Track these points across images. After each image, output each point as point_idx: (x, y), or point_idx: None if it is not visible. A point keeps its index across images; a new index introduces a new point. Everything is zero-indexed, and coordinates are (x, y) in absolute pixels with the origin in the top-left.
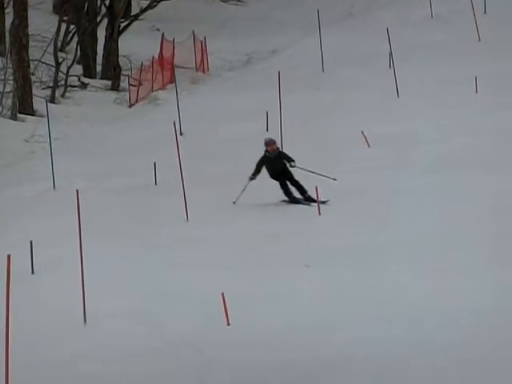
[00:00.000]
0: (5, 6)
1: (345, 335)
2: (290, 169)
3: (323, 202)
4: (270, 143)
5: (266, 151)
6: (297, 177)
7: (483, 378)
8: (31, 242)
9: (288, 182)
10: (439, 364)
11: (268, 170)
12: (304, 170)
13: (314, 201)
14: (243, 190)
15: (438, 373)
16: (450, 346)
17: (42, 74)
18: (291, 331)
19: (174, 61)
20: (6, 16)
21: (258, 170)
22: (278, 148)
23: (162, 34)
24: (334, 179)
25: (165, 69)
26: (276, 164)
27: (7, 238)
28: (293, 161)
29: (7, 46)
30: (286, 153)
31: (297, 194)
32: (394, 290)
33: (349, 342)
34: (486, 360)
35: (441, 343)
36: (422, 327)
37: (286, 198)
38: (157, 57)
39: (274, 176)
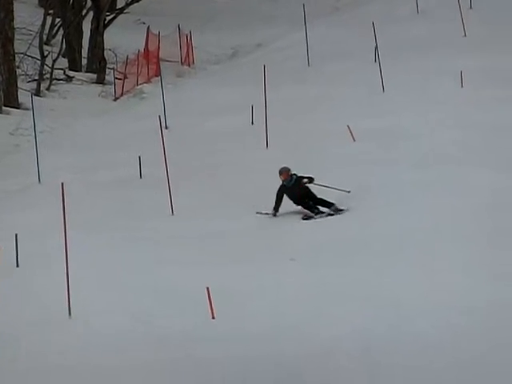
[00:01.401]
0: None
1: (330, 331)
2: (310, 186)
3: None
4: (282, 172)
5: (283, 181)
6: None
7: (472, 372)
8: (16, 236)
9: (312, 202)
10: (426, 359)
11: (289, 198)
12: (320, 185)
13: (341, 210)
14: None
15: (425, 368)
16: (438, 341)
17: (27, 67)
18: (277, 326)
19: (160, 54)
20: None
21: (279, 201)
22: (292, 175)
23: (148, 28)
24: (348, 191)
25: (150, 62)
26: (295, 191)
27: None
28: (312, 178)
29: None
30: (303, 175)
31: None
32: (379, 284)
33: (334, 338)
34: (477, 356)
35: (427, 339)
36: (408, 322)
37: (311, 214)
38: (142, 50)
39: (297, 202)
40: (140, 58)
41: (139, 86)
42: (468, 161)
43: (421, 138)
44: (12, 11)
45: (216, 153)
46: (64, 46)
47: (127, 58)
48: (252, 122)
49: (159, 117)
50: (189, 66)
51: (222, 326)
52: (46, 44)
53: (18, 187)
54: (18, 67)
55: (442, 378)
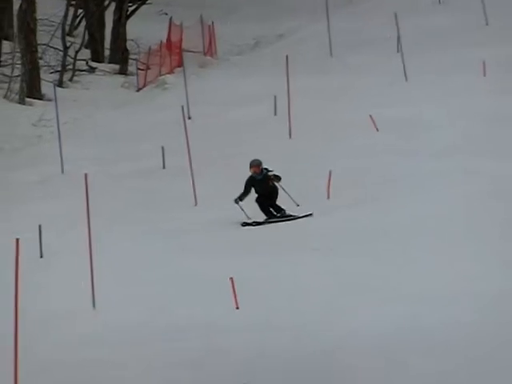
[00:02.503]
0: None
1: (349, 323)
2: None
3: (307, 216)
4: (253, 165)
5: (252, 172)
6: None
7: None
8: (40, 227)
9: (268, 204)
10: (440, 353)
11: (256, 192)
12: (284, 191)
13: (291, 216)
14: (242, 209)
15: (440, 363)
16: (453, 338)
17: (49, 59)
18: (299, 317)
19: (182, 45)
20: (13, 1)
21: (245, 192)
22: (263, 169)
23: (170, 18)
24: (298, 205)
25: (173, 53)
26: (264, 186)
27: (16, 222)
28: (279, 177)
29: (15, 30)
30: (273, 171)
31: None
32: (398, 274)
33: (353, 330)
34: (492, 353)
35: (444, 333)
36: (424, 314)
37: (265, 218)
38: (165, 41)
39: (263, 198)
40: (163, 49)
41: (162, 77)
42: (489, 151)
43: (442, 128)
44: (34, 2)
45: (239, 143)
46: (86, 36)
47: (150, 49)
48: (275, 113)
49: (182, 107)
50: (211, 56)
51: (247, 317)
52: (68, 35)
53: (40, 178)
54: (41, 58)
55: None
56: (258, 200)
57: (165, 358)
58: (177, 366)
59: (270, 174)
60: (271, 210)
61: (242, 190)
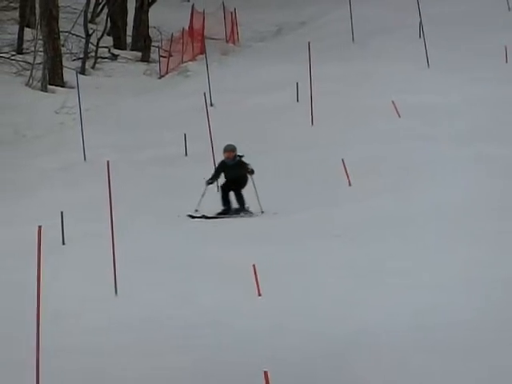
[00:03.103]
0: None
1: (374, 311)
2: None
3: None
4: (227, 150)
5: (225, 157)
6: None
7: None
8: (62, 213)
9: (233, 193)
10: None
11: (225, 177)
12: (254, 187)
13: (247, 212)
14: (202, 196)
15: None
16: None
17: (72, 46)
18: (322, 304)
19: (204, 32)
20: None
21: (216, 176)
22: (236, 155)
23: (192, 6)
24: (262, 212)
25: (195, 40)
26: (234, 173)
27: (38, 209)
28: (251, 172)
29: (37, 17)
30: (247, 162)
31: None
32: (418, 262)
33: (379, 320)
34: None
35: (464, 324)
36: (444, 305)
37: (223, 208)
38: (187, 28)
39: (228, 183)
40: (185, 36)
41: (184, 64)
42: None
43: (464, 115)
44: None
45: (261, 130)
46: (109, 24)
47: (172, 36)
48: (297, 99)
49: (204, 94)
50: (233, 43)
51: (269, 304)
52: (90, 22)
53: (63, 165)
54: (63, 46)
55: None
56: (223, 186)
57: (187, 345)
58: (199, 352)
59: (247, 166)
60: (230, 200)
61: (262, 177)
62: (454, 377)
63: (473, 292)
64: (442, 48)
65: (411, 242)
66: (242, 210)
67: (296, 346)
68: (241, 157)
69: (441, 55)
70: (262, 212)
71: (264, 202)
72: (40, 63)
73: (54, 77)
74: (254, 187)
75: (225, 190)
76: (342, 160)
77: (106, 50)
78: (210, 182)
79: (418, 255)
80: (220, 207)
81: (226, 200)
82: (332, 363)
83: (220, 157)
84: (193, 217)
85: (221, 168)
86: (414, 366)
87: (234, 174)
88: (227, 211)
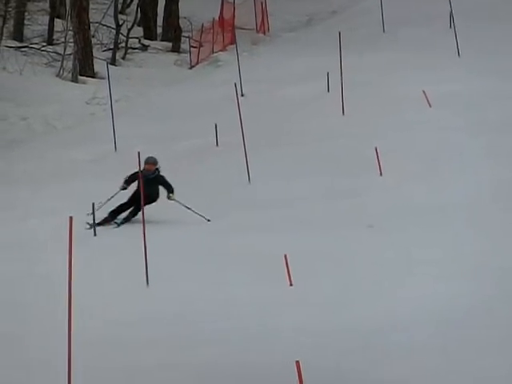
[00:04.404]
0: None
1: (404, 303)
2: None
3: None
4: (148, 162)
5: (144, 169)
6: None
7: None
8: (93, 204)
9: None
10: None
11: (138, 188)
12: (180, 204)
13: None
14: (109, 199)
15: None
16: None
17: (102, 37)
18: (352, 295)
19: (235, 22)
20: None
21: (127, 183)
22: (157, 170)
23: None
24: (208, 220)
25: (225, 30)
26: (149, 186)
27: (69, 201)
28: (172, 191)
29: (67, 8)
30: (166, 179)
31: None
32: (456, 250)
33: (408, 312)
34: None
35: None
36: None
37: (106, 217)
38: (217, 18)
39: (135, 197)
40: (215, 26)
41: (214, 54)
42: None
43: (495, 105)
44: None
45: (292, 120)
46: (139, 14)
47: (202, 26)
48: (328, 89)
49: (235, 84)
50: (264, 33)
51: (300, 294)
52: (120, 13)
53: (94, 156)
54: (93, 36)
55: None
56: (130, 200)
57: (219, 337)
58: (231, 344)
59: (167, 182)
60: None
61: (293, 167)
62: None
63: (504, 283)
64: (472, 38)
65: (442, 231)
66: (120, 220)
67: (327, 337)
68: (159, 171)
69: (471, 45)
70: (208, 220)
71: (295, 192)
72: (70, 54)
73: (84, 67)
74: (185, 206)
75: (124, 205)
76: (376, 149)
77: (137, 40)
78: (124, 187)
79: (448, 245)
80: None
81: (117, 211)
82: (362, 356)
83: (251, 147)
84: (91, 225)
85: (134, 178)
86: (443, 360)
87: (150, 188)
88: (109, 220)
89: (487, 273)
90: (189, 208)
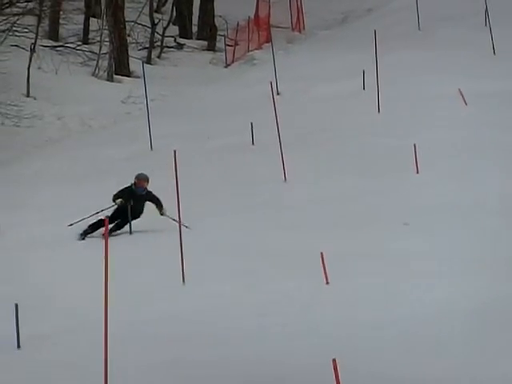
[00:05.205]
0: None
1: (439, 302)
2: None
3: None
4: (140, 178)
5: (134, 184)
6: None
7: None
8: (130, 203)
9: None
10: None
11: (125, 203)
12: (170, 218)
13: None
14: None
15: None
16: None
17: (137, 36)
18: (389, 292)
19: (270, 20)
20: None
21: (116, 197)
22: (146, 187)
23: None
24: (186, 227)
25: (261, 29)
26: (135, 203)
27: (105, 199)
28: (162, 206)
29: (103, 7)
30: (155, 195)
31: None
32: (495, 250)
33: (443, 310)
34: None
35: None
36: None
37: (86, 230)
38: (253, 17)
39: (119, 211)
40: (250, 25)
41: (250, 53)
42: None
43: None
44: None
45: (327, 118)
46: (174, 13)
47: (238, 25)
48: (363, 87)
49: (271, 83)
50: (299, 31)
51: (337, 292)
52: (156, 12)
53: (130, 155)
54: (129, 35)
55: None
56: (116, 213)
57: (255, 334)
58: (267, 342)
59: (163, 211)
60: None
61: (329, 165)
62: None
63: None
64: (508, 36)
65: (478, 230)
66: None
67: (363, 335)
68: (147, 189)
69: (506, 43)
70: (187, 227)
71: (331, 190)
72: (106, 53)
73: (120, 67)
74: (171, 218)
75: (114, 217)
76: (414, 145)
77: (172, 39)
78: (121, 202)
79: (483, 243)
80: None
81: (98, 225)
82: (399, 354)
83: (287, 146)
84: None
85: (126, 194)
86: (484, 360)
87: (136, 204)
88: (89, 232)
89: None
90: (174, 219)
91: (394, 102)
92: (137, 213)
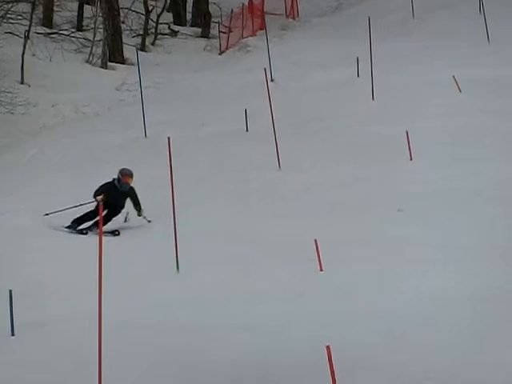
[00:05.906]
0: None
1: (432, 290)
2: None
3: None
4: (125, 174)
5: (118, 180)
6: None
7: None
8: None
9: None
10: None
11: (108, 198)
12: (145, 218)
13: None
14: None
15: None
16: None
17: (131, 23)
18: (383, 278)
19: (264, 7)
20: None
21: (97, 193)
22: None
23: None
24: (149, 221)
25: (255, 16)
26: (117, 198)
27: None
28: (140, 208)
29: None
30: (137, 194)
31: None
32: (490, 237)
33: (437, 300)
34: None
35: None
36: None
37: (70, 224)
38: (247, 4)
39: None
40: (245, 12)
41: (244, 40)
42: None
43: None
44: None
45: (322, 105)
46: (168, 0)
47: (232, 12)
48: (358, 74)
49: (265, 70)
50: (293, 18)
51: (331, 279)
52: None
53: (124, 142)
54: (123, 22)
55: None
56: (97, 211)
57: (250, 320)
58: (262, 328)
59: (140, 213)
60: (86, 220)
61: (323, 153)
62: None
63: None
64: (502, 24)
65: (473, 216)
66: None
67: (357, 322)
68: (130, 185)
69: (501, 30)
70: (149, 221)
71: (325, 177)
72: (100, 40)
73: (114, 54)
74: (148, 220)
75: (90, 213)
76: (407, 132)
77: (166, 26)
78: (102, 199)
79: (478, 230)
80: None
81: (82, 221)
82: (392, 341)
83: (281, 133)
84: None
85: (107, 189)
86: (481, 349)
87: (118, 200)
88: (72, 227)
89: None
90: (150, 221)
91: (388, 90)
92: (118, 208)
